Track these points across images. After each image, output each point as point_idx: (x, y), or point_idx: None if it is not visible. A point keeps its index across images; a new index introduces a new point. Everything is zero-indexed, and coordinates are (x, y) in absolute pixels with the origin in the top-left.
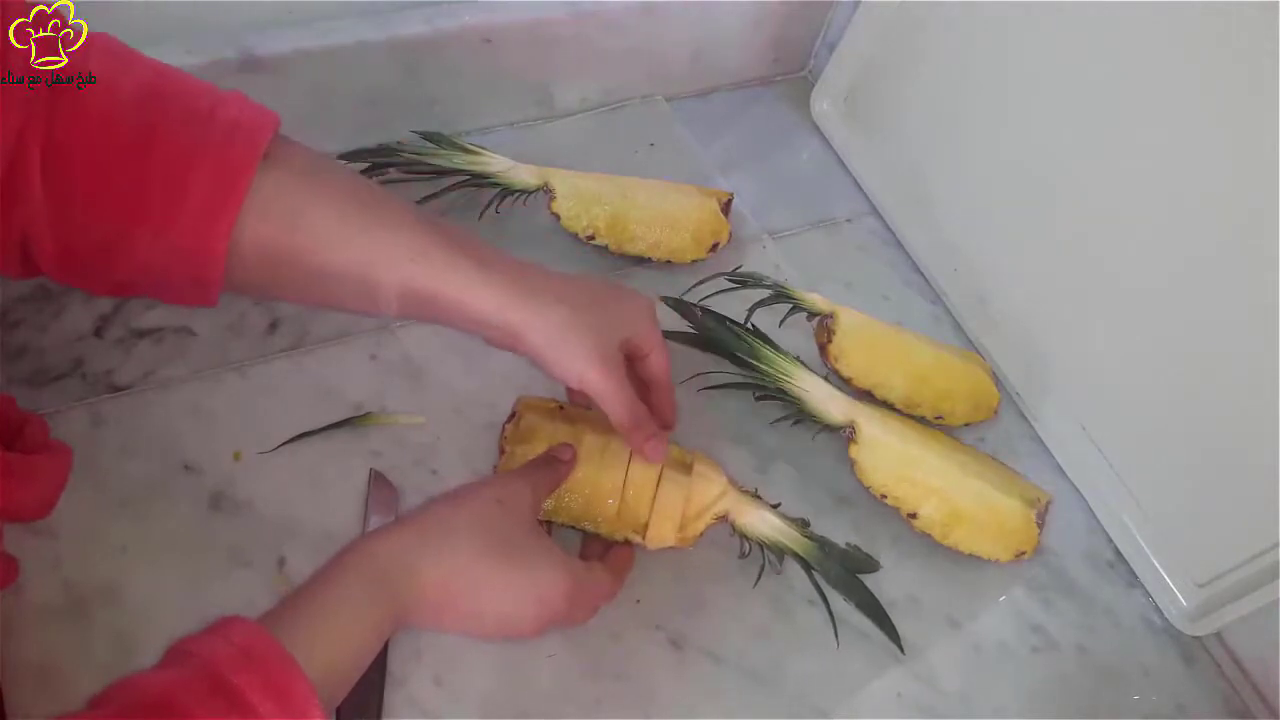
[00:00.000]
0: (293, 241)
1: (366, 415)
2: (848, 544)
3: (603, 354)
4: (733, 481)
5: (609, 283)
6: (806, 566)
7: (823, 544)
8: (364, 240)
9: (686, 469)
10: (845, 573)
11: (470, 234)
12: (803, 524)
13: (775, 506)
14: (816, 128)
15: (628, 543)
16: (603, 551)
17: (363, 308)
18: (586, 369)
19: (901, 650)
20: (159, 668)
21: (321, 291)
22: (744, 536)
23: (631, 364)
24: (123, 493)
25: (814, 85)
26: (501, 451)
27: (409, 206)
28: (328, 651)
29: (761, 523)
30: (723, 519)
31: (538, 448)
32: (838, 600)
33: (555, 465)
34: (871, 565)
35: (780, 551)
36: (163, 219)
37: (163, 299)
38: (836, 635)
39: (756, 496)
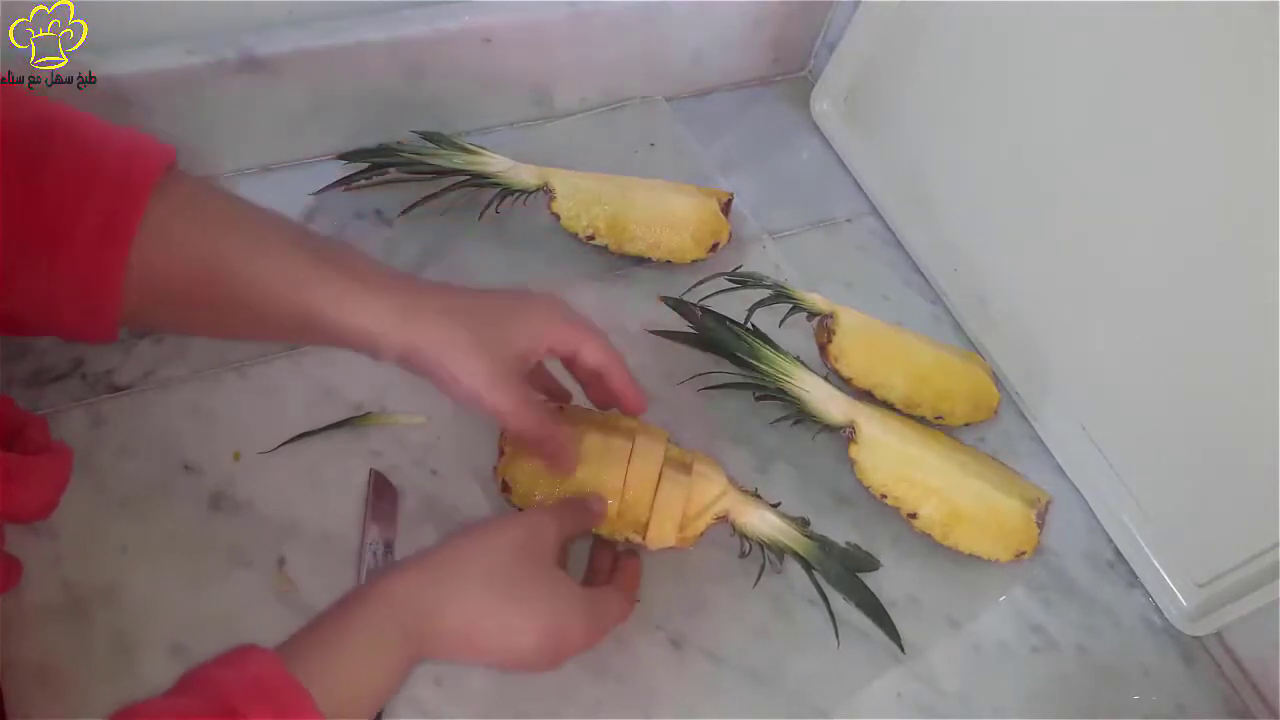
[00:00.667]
0: (180, 269)
1: (366, 415)
2: (848, 543)
3: (495, 371)
4: (733, 481)
5: (508, 293)
6: (806, 566)
7: (823, 543)
8: (244, 265)
9: (686, 469)
10: (845, 572)
11: (358, 254)
12: (803, 523)
13: (775, 506)
14: (816, 128)
15: (631, 550)
16: (612, 562)
17: (258, 335)
18: (480, 388)
19: (902, 649)
20: (171, 694)
21: (215, 322)
22: (744, 536)
23: (568, 367)
24: (123, 493)
25: (814, 85)
26: (501, 452)
27: (298, 231)
28: (342, 688)
29: (761, 522)
30: (723, 519)
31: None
32: (838, 600)
33: (586, 510)
34: (872, 564)
35: (780, 551)
36: (54, 248)
37: (59, 335)
38: (837, 635)
39: (756, 496)
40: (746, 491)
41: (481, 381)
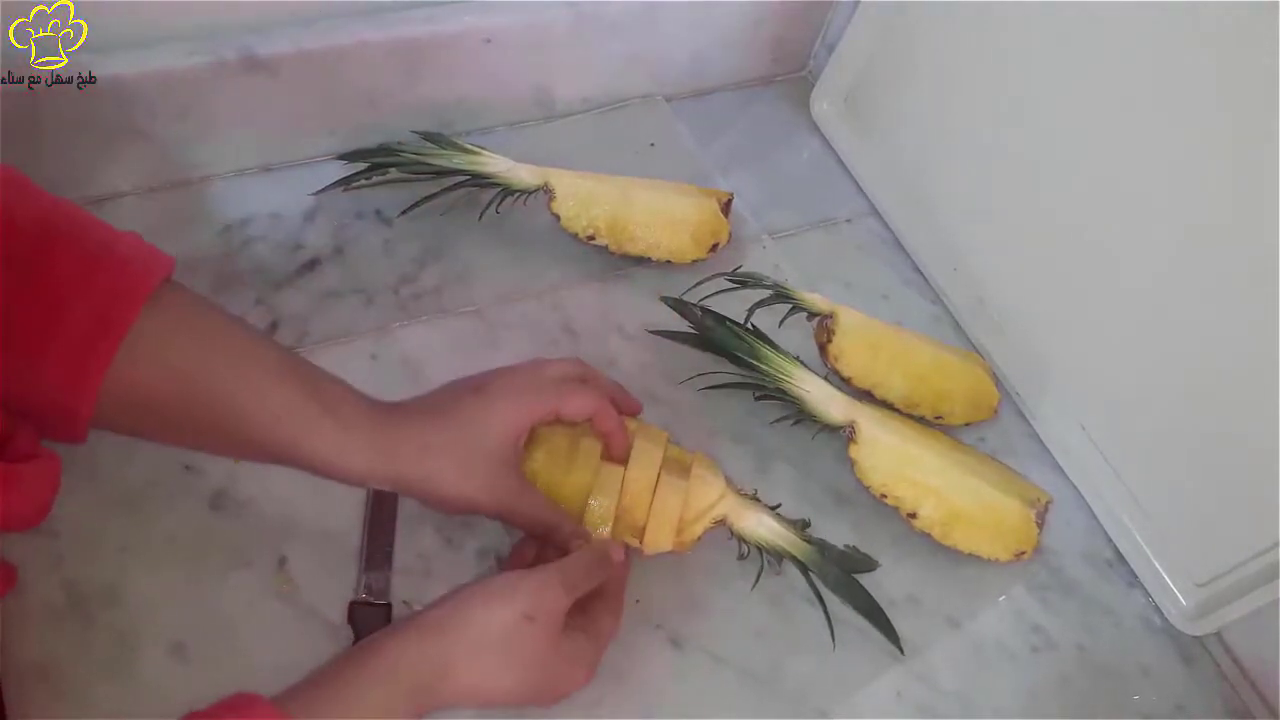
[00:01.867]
0: (163, 388)
1: None
2: (846, 546)
3: (477, 483)
4: (731, 484)
5: (474, 392)
6: (804, 570)
7: (821, 547)
8: (228, 398)
9: (685, 472)
10: (844, 575)
11: (339, 388)
12: (801, 526)
13: (774, 509)
14: (816, 128)
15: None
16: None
17: (235, 455)
18: (475, 505)
19: (901, 651)
20: None
21: (192, 439)
22: (742, 540)
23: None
24: (123, 493)
25: (814, 85)
26: None
27: (284, 360)
28: None
29: (760, 526)
30: (721, 523)
31: (536, 453)
32: (837, 602)
33: (602, 566)
34: (869, 565)
35: (778, 554)
36: (40, 349)
37: (30, 425)
38: (833, 639)
39: (755, 499)
40: (745, 495)
41: (475, 499)
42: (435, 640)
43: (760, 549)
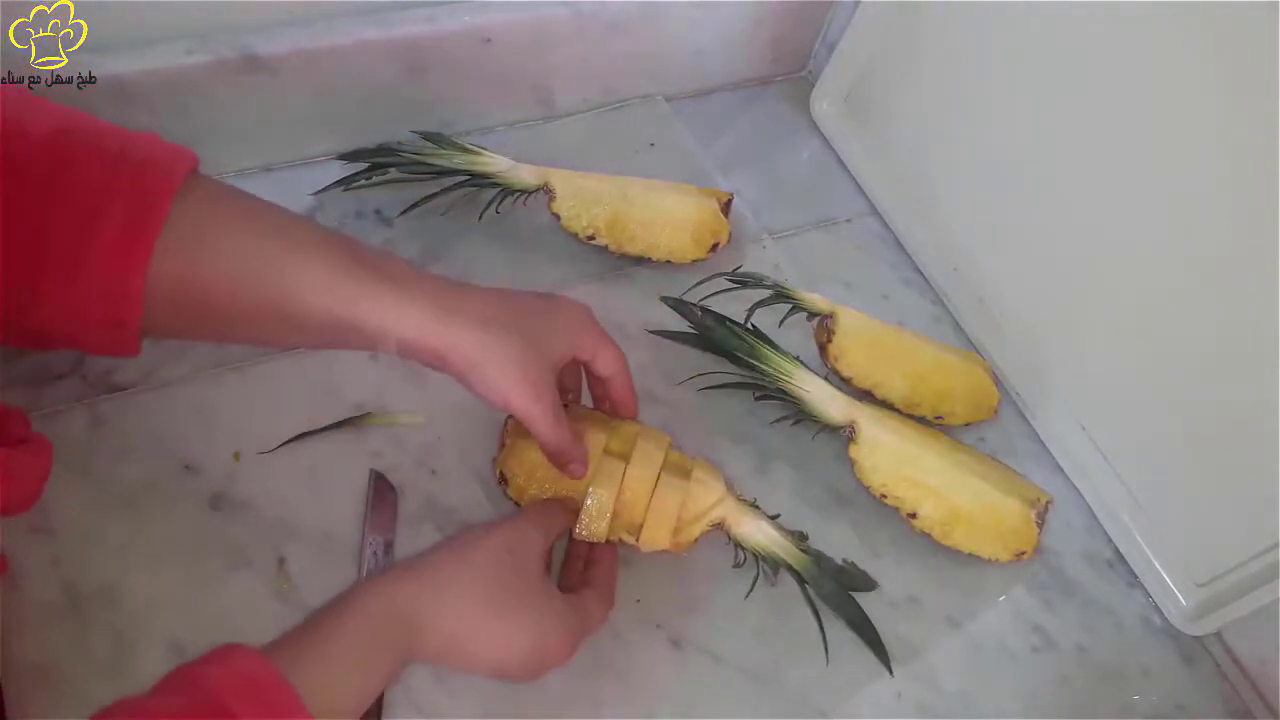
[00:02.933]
0: (210, 277)
1: (366, 415)
2: (844, 560)
3: (525, 375)
4: (731, 490)
5: (537, 297)
6: (800, 581)
7: (818, 559)
8: (278, 272)
9: (686, 475)
10: (839, 590)
11: (388, 254)
12: (800, 537)
13: (774, 518)
14: (816, 128)
15: (608, 543)
16: (587, 551)
17: (285, 341)
18: (509, 392)
19: (890, 672)
20: (156, 693)
21: (244, 328)
22: (739, 546)
23: (585, 369)
24: (123, 493)
25: (814, 85)
26: (501, 445)
27: (325, 233)
28: (329, 689)
29: (758, 533)
30: (718, 527)
31: (538, 443)
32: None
33: (564, 506)
34: (868, 584)
35: (775, 564)
36: (74, 260)
37: (83, 348)
38: (827, 652)
39: (755, 506)
40: (745, 501)
41: (515, 391)
42: (413, 584)
43: (757, 556)
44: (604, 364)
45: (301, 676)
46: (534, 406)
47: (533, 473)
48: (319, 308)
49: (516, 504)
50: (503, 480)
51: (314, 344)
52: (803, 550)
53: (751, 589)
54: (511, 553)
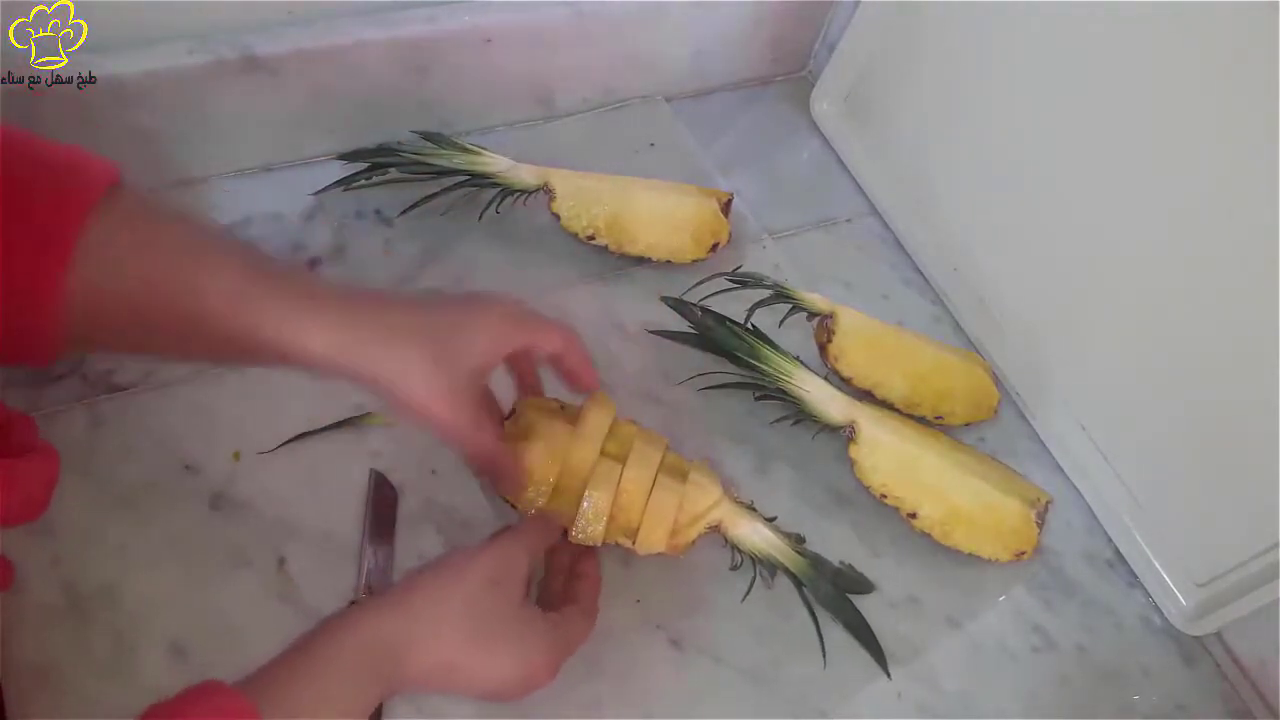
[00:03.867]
0: (122, 291)
1: (366, 415)
2: (841, 563)
3: (443, 389)
4: (729, 493)
5: (456, 302)
6: (797, 583)
7: (815, 561)
8: (187, 287)
9: (683, 476)
10: (836, 592)
11: (304, 272)
12: (797, 539)
13: (771, 520)
14: (816, 128)
15: (589, 552)
16: (570, 559)
17: (201, 356)
18: (428, 407)
19: (888, 675)
20: None
21: (156, 342)
22: (735, 548)
23: (528, 361)
24: (123, 493)
25: (814, 85)
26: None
27: (244, 249)
28: None
29: (754, 535)
30: (715, 529)
31: (535, 445)
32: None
33: (551, 522)
34: (865, 586)
35: (772, 566)
36: None
37: None
38: (824, 654)
39: (752, 509)
40: (742, 504)
41: (433, 405)
42: (396, 616)
43: (754, 559)
44: (545, 345)
45: (279, 712)
46: (454, 419)
47: (528, 475)
48: (227, 323)
49: (511, 506)
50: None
51: (233, 360)
52: (799, 553)
53: (748, 592)
54: (495, 583)
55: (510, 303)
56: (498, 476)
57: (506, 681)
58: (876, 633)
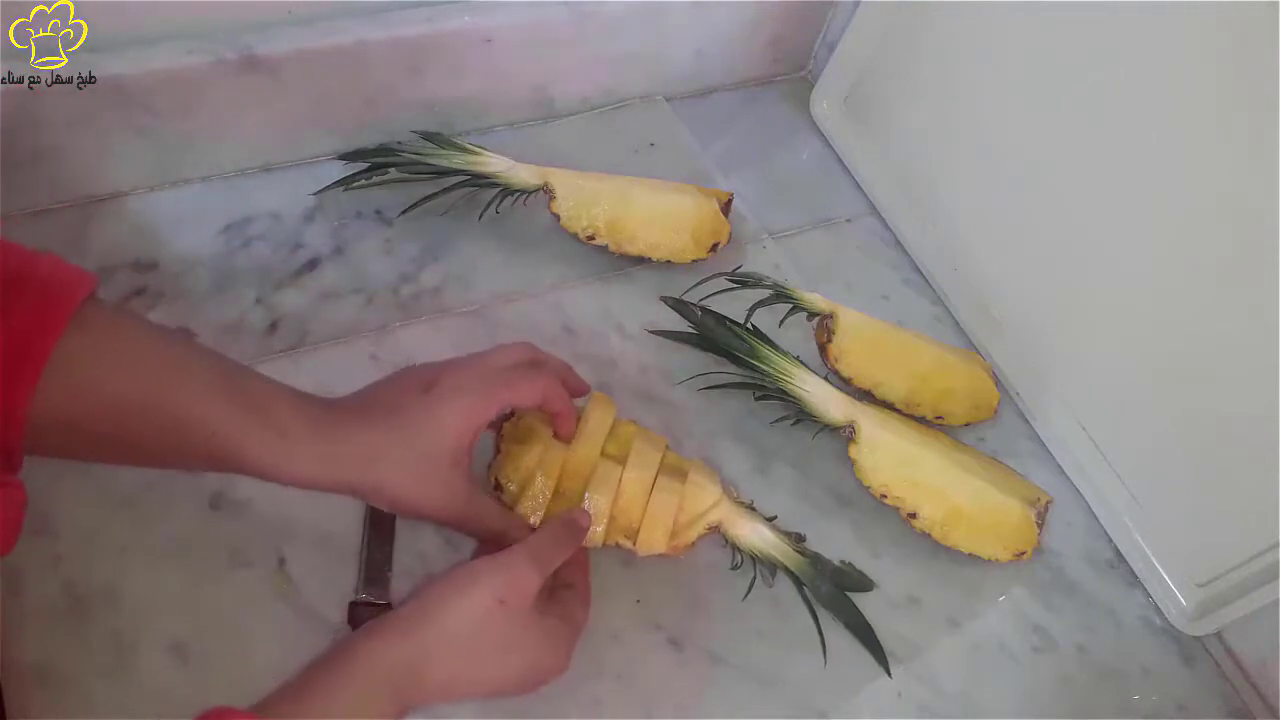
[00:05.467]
0: (95, 406)
1: None
2: (841, 561)
3: (429, 487)
4: (728, 492)
5: (423, 395)
6: (798, 582)
7: (815, 561)
8: (163, 408)
9: (682, 477)
10: (836, 591)
11: (276, 393)
12: (797, 538)
13: (771, 520)
14: (816, 128)
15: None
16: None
17: (173, 468)
18: (419, 506)
19: (889, 673)
20: None
21: (131, 457)
22: (735, 548)
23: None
24: (123, 493)
25: (814, 85)
26: (497, 450)
27: (216, 369)
28: None
29: (754, 535)
30: (715, 529)
31: (533, 448)
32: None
33: (571, 531)
34: (865, 584)
35: (772, 566)
36: None
37: None
38: (825, 653)
39: (751, 509)
40: (742, 504)
41: (423, 507)
42: (407, 637)
43: (754, 559)
44: (520, 402)
45: None
46: (448, 512)
47: (527, 481)
48: (199, 448)
49: (511, 509)
50: (497, 488)
51: (197, 470)
52: (799, 552)
53: (749, 591)
54: (503, 602)
55: (475, 369)
56: (500, 541)
57: (523, 682)
58: (877, 632)
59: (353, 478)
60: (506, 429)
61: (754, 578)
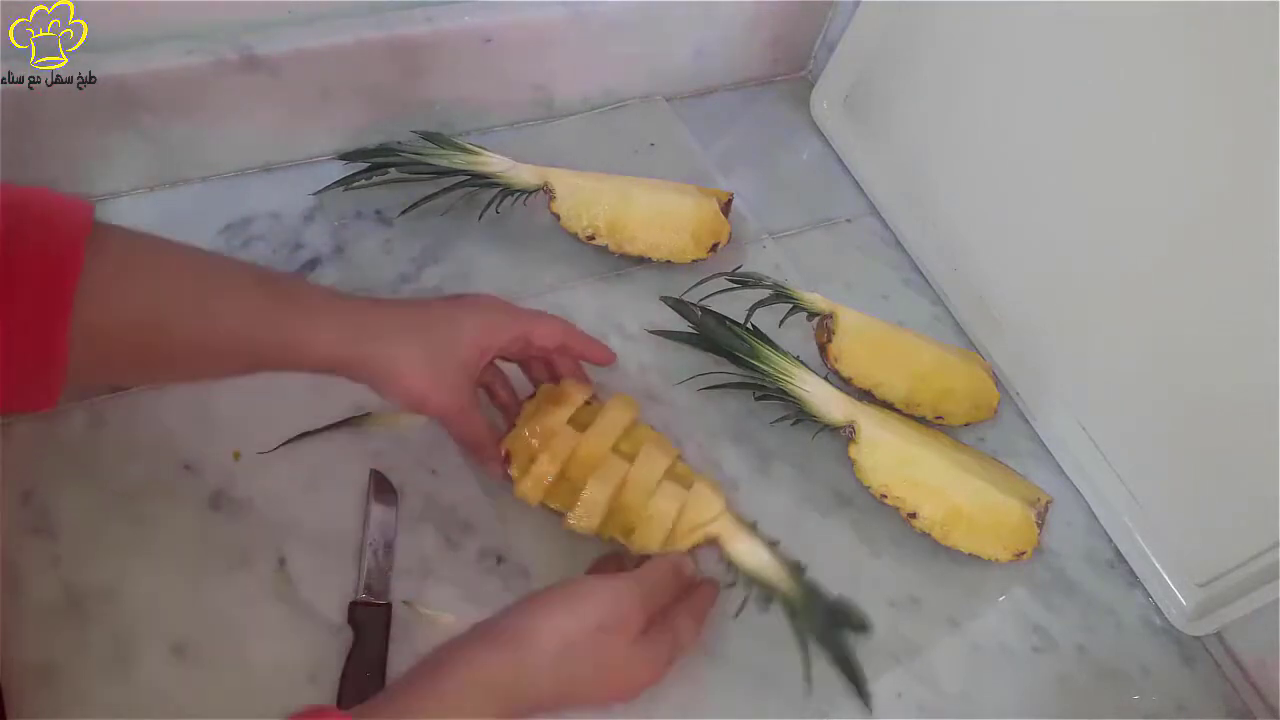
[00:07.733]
0: (131, 321)
1: (366, 415)
2: (839, 596)
3: (436, 378)
4: (731, 509)
5: (447, 302)
6: (790, 612)
7: (811, 592)
8: (198, 308)
9: (689, 487)
10: (828, 627)
11: (304, 281)
12: (796, 567)
13: (774, 544)
14: (816, 128)
15: (712, 578)
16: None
17: (210, 375)
18: (422, 395)
19: (870, 711)
20: None
21: (166, 368)
22: (730, 564)
23: (525, 356)
24: (123, 493)
25: (814, 85)
26: (511, 426)
27: (241, 267)
28: None
29: (752, 555)
30: (713, 542)
31: (547, 427)
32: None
33: (679, 572)
34: (861, 624)
35: (767, 591)
36: None
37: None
38: (809, 680)
39: (754, 528)
40: (745, 522)
41: (427, 395)
42: (513, 651)
43: (750, 580)
44: (542, 338)
45: None
46: (444, 406)
47: (535, 452)
48: (238, 341)
49: (515, 482)
50: (507, 460)
51: (234, 373)
52: (797, 581)
53: (740, 610)
54: (605, 631)
55: (496, 303)
56: (483, 460)
57: (619, 698)
58: (877, 632)
59: (369, 350)
60: (527, 407)
61: (746, 598)
